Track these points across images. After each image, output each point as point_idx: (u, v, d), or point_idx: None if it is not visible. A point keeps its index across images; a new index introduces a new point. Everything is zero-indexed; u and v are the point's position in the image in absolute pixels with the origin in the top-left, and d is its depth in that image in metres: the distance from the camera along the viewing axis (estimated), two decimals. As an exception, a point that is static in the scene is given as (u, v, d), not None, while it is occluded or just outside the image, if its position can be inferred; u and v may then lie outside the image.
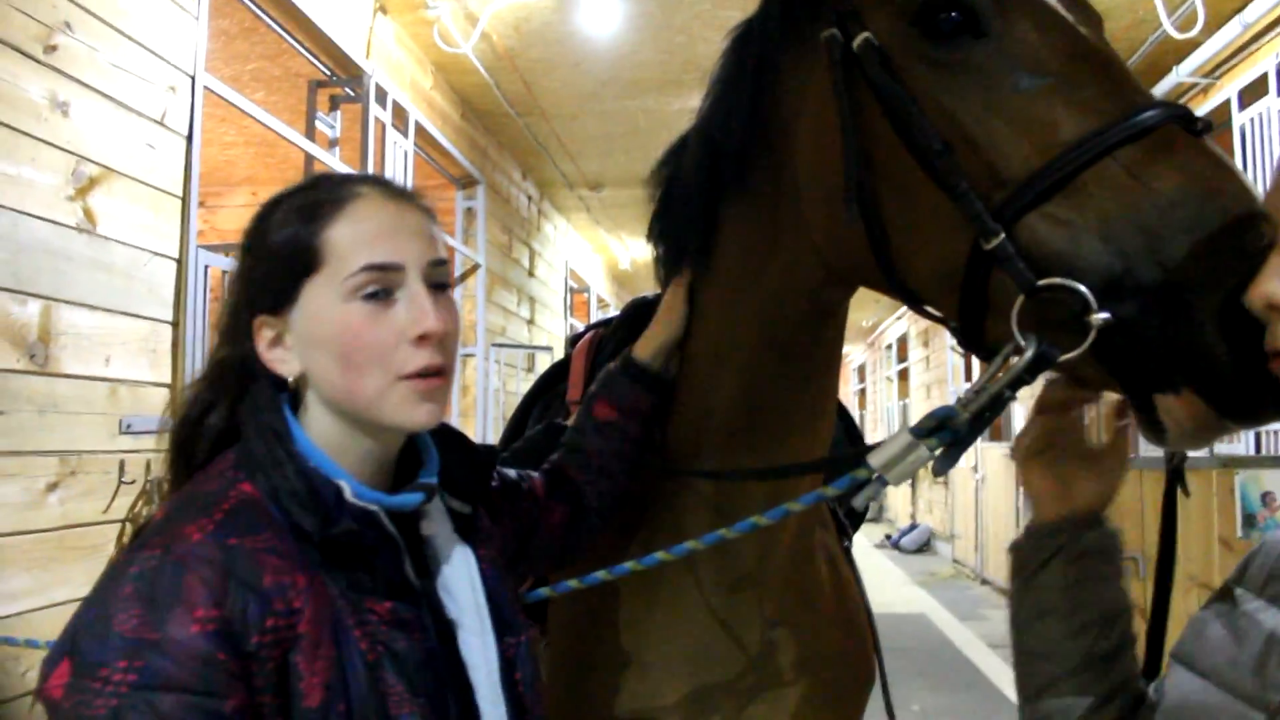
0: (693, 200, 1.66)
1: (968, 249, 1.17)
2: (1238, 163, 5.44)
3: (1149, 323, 1.06)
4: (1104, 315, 1.06)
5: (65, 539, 3.26)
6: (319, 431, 1.19)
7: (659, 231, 1.79)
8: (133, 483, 3.56)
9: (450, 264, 1.33)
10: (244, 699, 0.99)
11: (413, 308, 1.15)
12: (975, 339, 1.25)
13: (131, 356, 3.59)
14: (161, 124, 3.77)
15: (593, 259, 13.55)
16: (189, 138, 3.94)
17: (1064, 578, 1.20)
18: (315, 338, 1.16)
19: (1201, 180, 1.06)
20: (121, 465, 3.52)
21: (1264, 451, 5.48)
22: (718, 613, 1.74)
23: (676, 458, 1.76)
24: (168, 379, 3.80)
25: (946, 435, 1.25)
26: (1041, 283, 1.10)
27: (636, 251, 13.62)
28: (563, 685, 1.85)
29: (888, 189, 1.30)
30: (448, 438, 1.34)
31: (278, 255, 1.18)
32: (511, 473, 1.59)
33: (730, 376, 1.66)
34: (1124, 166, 1.09)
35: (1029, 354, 1.13)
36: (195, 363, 3.92)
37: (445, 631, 1.22)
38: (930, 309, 1.36)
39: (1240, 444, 5.64)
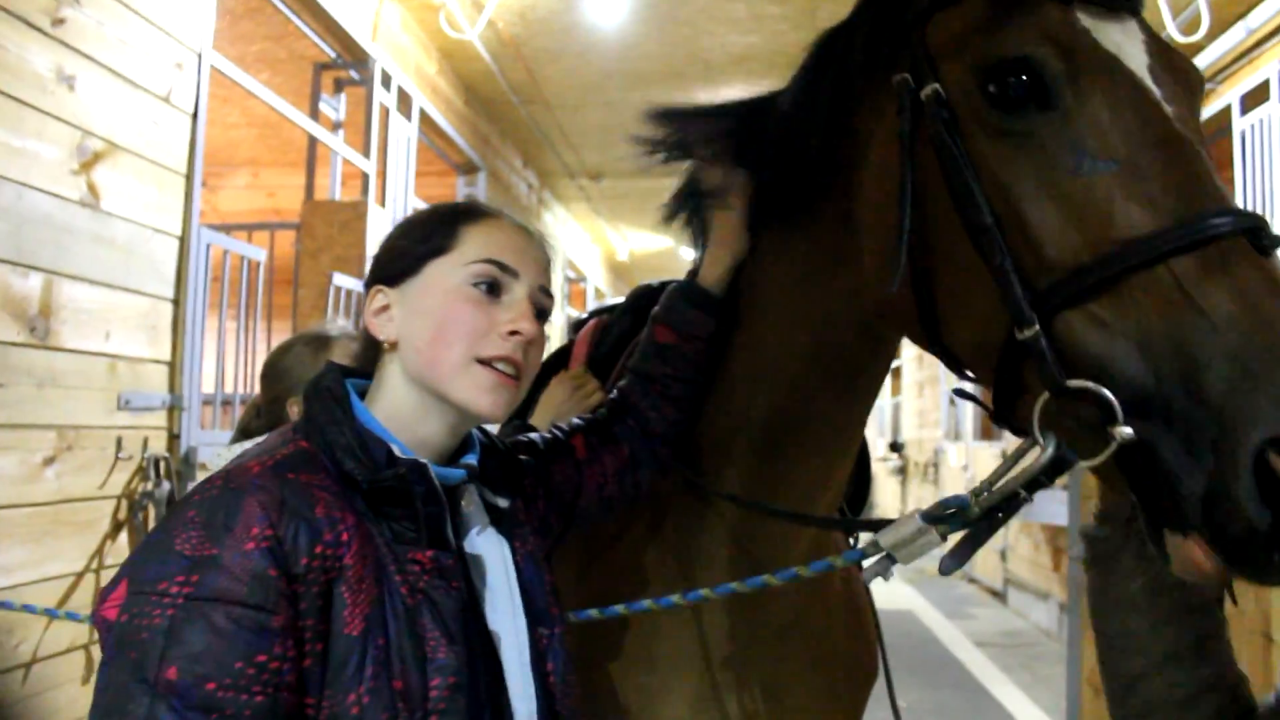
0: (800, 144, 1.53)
1: (1005, 333, 1.13)
2: (1238, 169, 5.46)
3: (1170, 452, 1.00)
4: (1127, 430, 1.01)
5: (61, 513, 3.27)
6: (387, 407, 1.28)
7: (758, 154, 1.64)
8: (130, 458, 3.57)
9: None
10: (290, 618, 1.05)
11: (514, 308, 1.28)
12: (1006, 416, 1.21)
13: (131, 332, 3.60)
14: (167, 101, 3.77)
15: (591, 249, 13.55)
16: (194, 115, 3.94)
17: (1139, 566, 1.17)
18: (422, 306, 1.28)
19: (1255, 310, 0.98)
20: (119, 441, 3.53)
21: None
22: (732, 612, 1.74)
23: (702, 469, 1.72)
24: (167, 356, 3.81)
25: (957, 523, 1.23)
26: (1070, 383, 1.06)
27: (635, 243, 13.63)
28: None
29: (938, 251, 1.26)
30: (486, 436, 1.43)
31: (415, 238, 1.32)
32: (540, 440, 1.61)
33: (770, 389, 1.63)
34: (1176, 277, 1.02)
35: (1047, 455, 1.10)
36: (195, 340, 3.92)
37: (476, 601, 1.27)
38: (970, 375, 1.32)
39: None
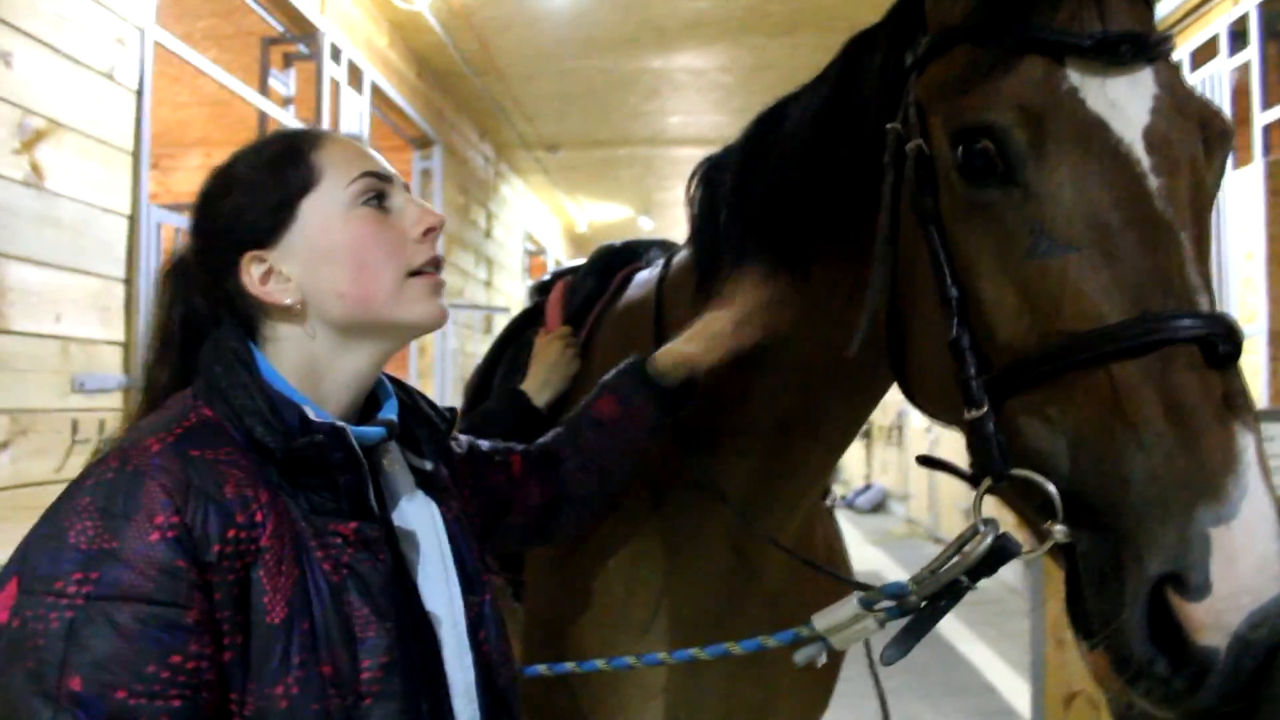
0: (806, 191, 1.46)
1: (961, 411, 1.10)
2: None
3: (1086, 563, 0.98)
4: (1062, 529, 0.99)
5: (16, 498, 3.22)
6: (293, 364, 1.19)
7: (750, 218, 1.55)
8: (86, 441, 3.52)
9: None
10: (205, 611, 0.97)
11: (412, 208, 1.23)
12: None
13: (82, 314, 3.54)
14: (110, 78, 3.70)
15: (550, 221, 13.49)
16: (139, 92, 3.87)
17: None
18: (323, 249, 1.18)
19: (1185, 431, 0.92)
20: (74, 424, 3.48)
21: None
22: (723, 583, 1.75)
23: (710, 460, 1.69)
24: (121, 337, 3.75)
25: (895, 612, 1.19)
26: (1014, 472, 1.03)
27: (593, 214, 13.58)
28: (541, 642, 1.85)
29: (914, 314, 1.22)
30: (408, 394, 1.34)
31: (265, 185, 1.19)
32: (484, 444, 1.56)
33: (785, 398, 1.60)
34: (1115, 382, 0.97)
35: (986, 544, 1.08)
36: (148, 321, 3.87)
37: (404, 568, 1.19)
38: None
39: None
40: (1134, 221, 1.01)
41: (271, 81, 5.77)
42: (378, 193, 1.20)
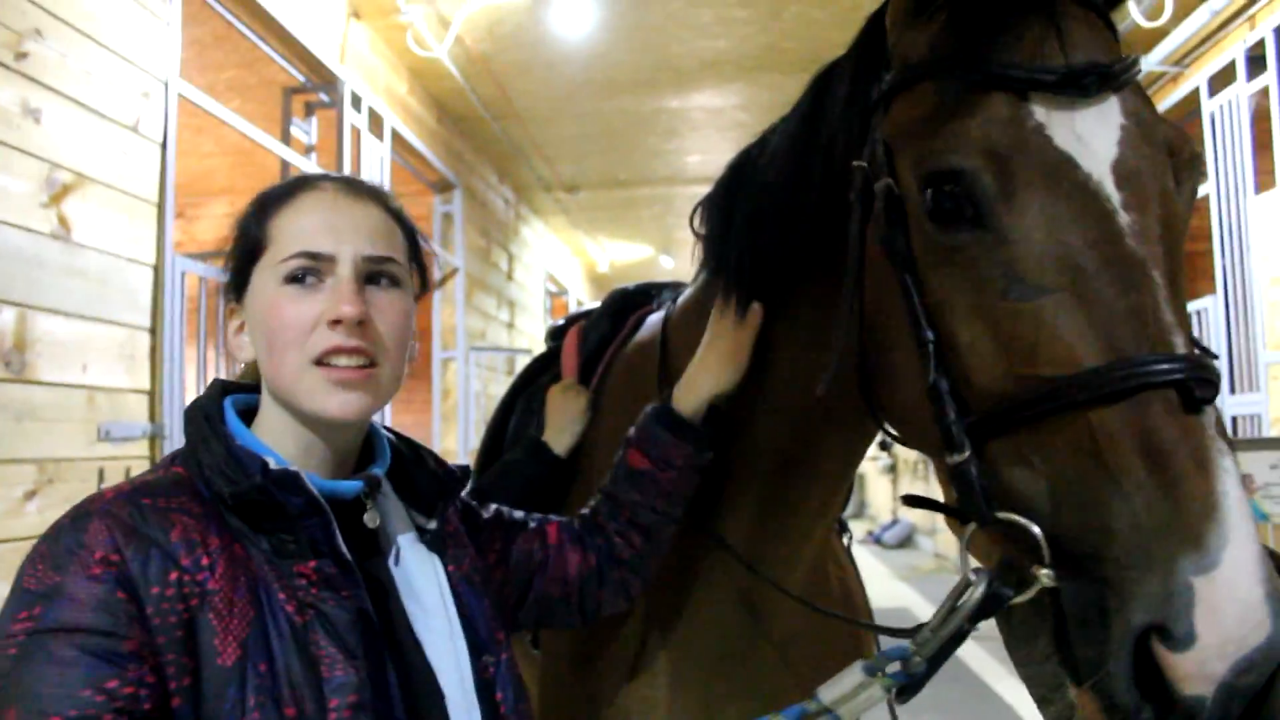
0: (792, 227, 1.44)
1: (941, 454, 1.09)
2: (1209, 151, 5.49)
3: (1072, 608, 0.97)
4: (1048, 573, 0.98)
5: (46, 547, 3.23)
6: (270, 426, 1.21)
7: (741, 250, 1.54)
8: (113, 490, 3.54)
9: (429, 268, 1.34)
10: (144, 642, 0.98)
11: (334, 294, 1.17)
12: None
13: (109, 363, 3.57)
14: (135, 130, 3.75)
15: (571, 262, 13.55)
16: (164, 144, 3.92)
17: None
18: (254, 319, 1.21)
19: (1164, 478, 0.91)
20: (101, 472, 3.50)
21: (1241, 434, 5.53)
22: (735, 624, 1.72)
23: (710, 504, 1.66)
24: (147, 385, 3.78)
25: (902, 676, 1.18)
26: (999, 516, 1.02)
27: (614, 254, 13.63)
28: (556, 684, 1.84)
29: (887, 347, 1.20)
30: (414, 451, 1.35)
31: (238, 244, 1.24)
32: (518, 513, 1.54)
33: (779, 433, 1.58)
34: (1092, 429, 0.95)
35: (979, 592, 1.07)
36: (174, 369, 3.90)
37: (389, 616, 1.19)
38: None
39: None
40: (1106, 262, 1.00)
41: (294, 130, 5.84)
42: (304, 270, 1.17)
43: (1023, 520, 0.99)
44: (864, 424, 1.50)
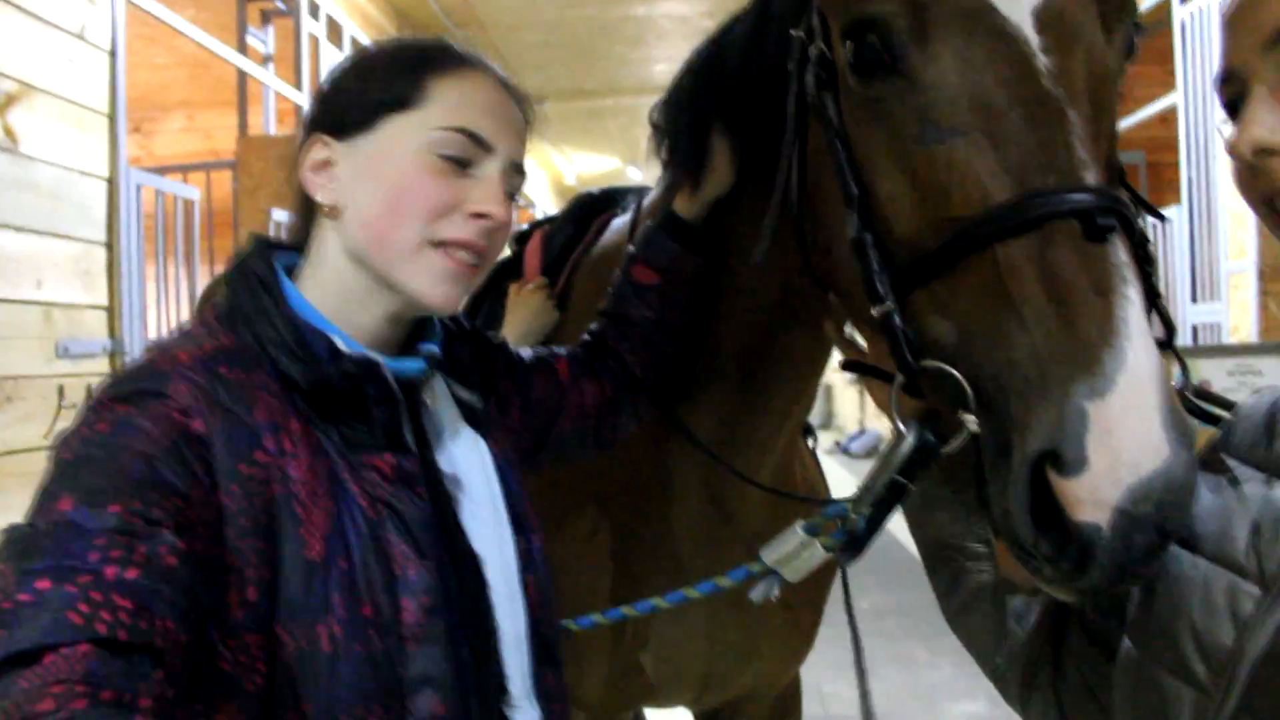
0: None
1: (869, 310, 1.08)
2: (1178, 60, 5.46)
3: (986, 449, 0.96)
4: (973, 418, 0.96)
5: (4, 465, 3.21)
6: (324, 287, 1.11)
7: (694, 139, 1.53)
8: (73, 407, 3.50)
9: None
10: (202, 513, 0.91)
11: (485, 186, 1.10)
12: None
13: (64, 279, 3.52)
14: (81, 38, 3.64)
15: (537, 174, 13.40)
16: (112, 52, 3.81)
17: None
18: (374, 170, 1.09)
19: (1064, 307, 0.90)
20: (60, 390, 3.46)
21: (1201, 342, 5.59)
22: (702, 527, 1.74)
23: (677, 402, 1.65)
24: (104, 301, 3.73)
25: (841, 534, 1.17)
26: (924, 364, 1.01)
27: (581, 166, 13.51)
28: None
29: (821, 210, 1.21)
30: (457, 324, 1.28)
31: (372, 82, 1.12)
32: (527, 353, 1.47)
33: (743, 329, 1.57)
34: (999, 264, 0.95)
35: (909, 442, 1.06)
36: (132, 285, 3.84)
37: (449, 510, 1.13)
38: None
39: (1179, 336, 5.74)
40: (1019, 101, 0.98)
41: (249, 39, 5.70)
42: (462, 155, 1.09)
43: (946, 367, 0.98)
44: (822, 322, 1.50)
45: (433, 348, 1.17)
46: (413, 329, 1.19)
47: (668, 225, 1.54)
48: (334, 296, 1.11)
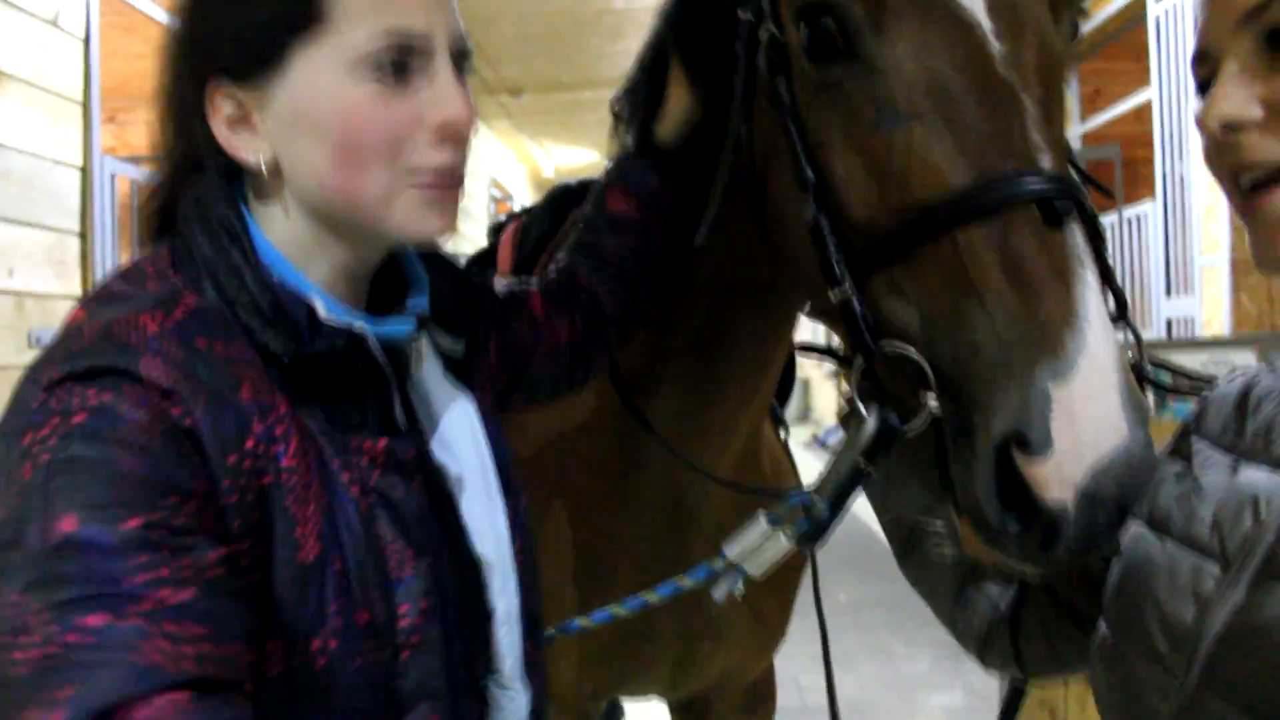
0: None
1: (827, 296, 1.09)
2: (1153, 56, 5.49)
3: (948, 431, 0.99)
4: (934, 401, 0.99)
5: (-22, 456, 3.18)
6: (280, 236, 0.94)
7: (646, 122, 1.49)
8: (46, 398, 3.48)
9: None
10: (206, 484, 0.78)
11: (437, 89, 0.91)
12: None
13: (37, 268, 3.49)
14: (55, 25, 3.61)
15: (515, 167, 13.37)
16: (86, 40, 3.79)
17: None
18: (306, 119, 0.90)
19: (1025, 291, 0.92)
20: (33, 380, 3.43)
21: (1175, 336, 5.63)
22: (667, 518, 1.72)
23: (634, 392, 1.62)
24: (78, 291, 3.71)
25: (805, 523, 1.18)
26: (883, 346, 1.03)
27: (560, 159, 13.47)
28: None
29: (776, 196, 1.21)
30: (429, 257, 1.10)
31: (254, 3, 0.90)
32: (502, 287, 1.33)
33: (696, 315, 1.55)
34: (958, 249, 0.96)
35: (870, 426, 1.07)
36: (105, 274, 3.81)
37: (442, 492, 1.01)
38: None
39: (1153, 330, 5.79)
40: (974, 86, 1.00)
41: (225, 28, 5.64)
42: (397, 62, 0.89)
43: (908, 349, 1.00)
44: (776, 304, 1.51)
45: (422, 303, 1.02)
46: (385, 264, 1.04)
47: (642, 148, 1.46)
48: (289, 242, 0.94)
